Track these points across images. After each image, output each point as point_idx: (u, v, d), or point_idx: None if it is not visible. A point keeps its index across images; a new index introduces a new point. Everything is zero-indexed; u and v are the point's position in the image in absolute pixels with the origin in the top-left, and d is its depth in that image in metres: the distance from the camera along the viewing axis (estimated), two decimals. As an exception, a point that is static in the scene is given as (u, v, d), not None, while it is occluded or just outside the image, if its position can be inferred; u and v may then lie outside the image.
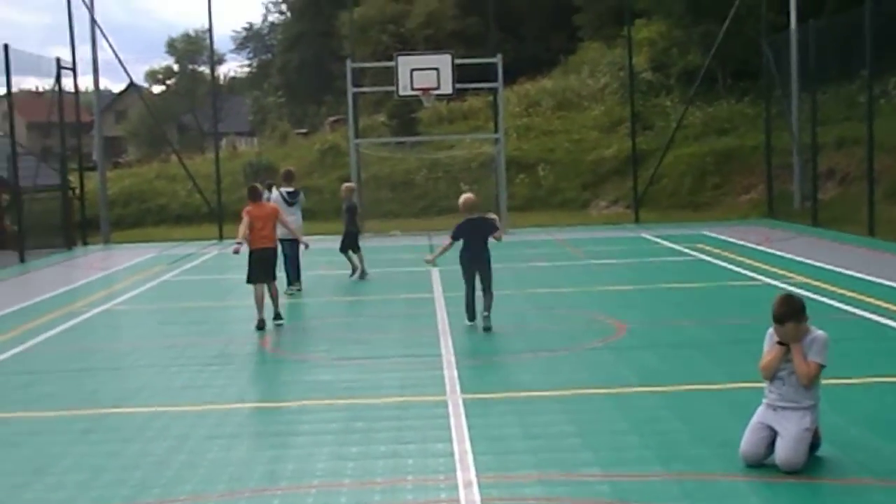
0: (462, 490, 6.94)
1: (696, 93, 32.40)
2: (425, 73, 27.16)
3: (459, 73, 27.63)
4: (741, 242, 22.70)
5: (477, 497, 6.78)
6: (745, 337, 11.81)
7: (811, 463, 7.14)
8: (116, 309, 16.70)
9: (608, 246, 23.77)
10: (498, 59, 28.43)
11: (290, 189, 18.01)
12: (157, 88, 79.43)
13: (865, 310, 13.48)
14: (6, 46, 25.53)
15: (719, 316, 13.72)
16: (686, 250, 21.71)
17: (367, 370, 11.10)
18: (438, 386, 10.10)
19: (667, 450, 7.72)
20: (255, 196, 14.64)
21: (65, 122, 29.65)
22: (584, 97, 43.72)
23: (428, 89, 27.26)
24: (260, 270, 14.32)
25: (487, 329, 13.16)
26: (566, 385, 9.96)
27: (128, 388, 10.79)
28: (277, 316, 14.28)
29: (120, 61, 44.57)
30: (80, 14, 30.50)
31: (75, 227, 30.36)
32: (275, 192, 17.92)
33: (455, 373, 10.66)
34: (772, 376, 7.31)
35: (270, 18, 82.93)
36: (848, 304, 13.99)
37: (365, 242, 27.11)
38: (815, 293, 15.00)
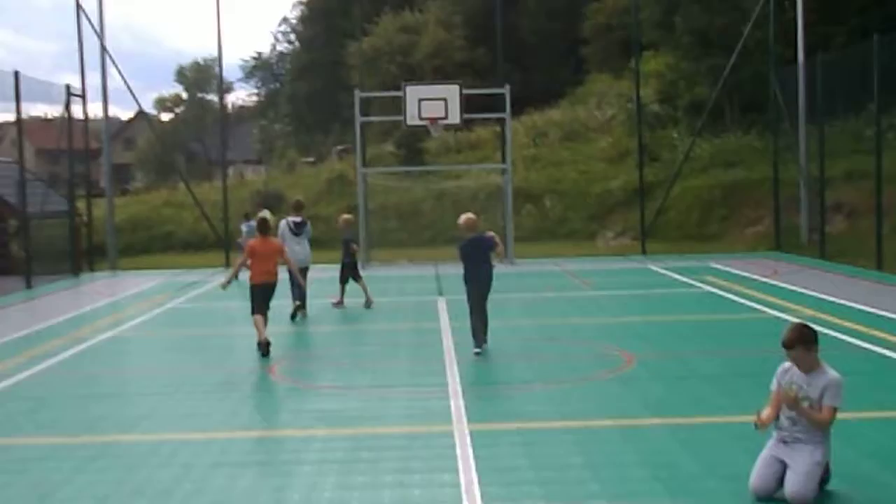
0: (469, 521, 6.89)
1: (703, 125, 32.43)
2: (433, 102, 27.23)
3: (467, 104, 27.69)
4: (748, 275, 22.64)
5: (484, 528, 6.73)
6: (754, 369, 11.77)
7: (821, 497, 7.07)
8: (123, 336, 16.67)
9: (615, 277, 23.73)
10: (506, 90, 28.50)
11: (298, 219, 18.15)
12: (165, 116, 79.70)
13: (874, 343, 13.41)
14: (17, 73, 25.66)
15: (727, 348, 13.66)
16: (693, 282, 21.66)
17: (374, 399, 11.06)
18: (445, 416, 10.04)
19: (675, 483, 7.66)
20: (263, 229, 14.75)
21: (73, 148, 29.75)
22: (591, 128, 43.83)
23: (435, 119, 27.32)
24: (262, 302, 14.46)
25: (478, 354, 13.47)
26: (574, 416, 9.90)
27: (133, 415, 10.74)
28: (266, 346, 14.11)
29: (129, 89, 44.68)
30: (91, 42, 30.66)
31: (82, 253, 30.39)
32: (282, 222, 18.15)
33: (462, 402, 10.61)
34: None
35: (279, 48, 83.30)
36: (856, 337, 13.92)
37: (372, 272, 27.21)
38: (823, 326, 14.92)
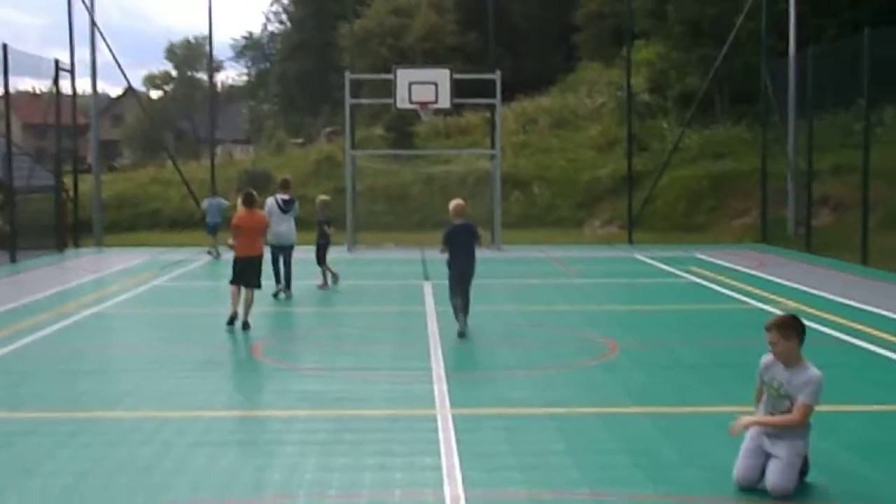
0: (450, 505, 6.90)
1: (693, 116, 32.46)
2: (423, 86, 27.18)
3: (458, 88, 27.64)
4: (734, 266, 22.70)
5: (464, 512, 6.75)
6: (737, 360, 11.82)
7: (800, 488, 7.11)
8: (107, 312, 16.63)
9: (601, 265, 23.78)
10: (497, 76, 28.46)
11: (286, 197, 18.20)
12: (154, 93, 79.36)
13: (856, 337, 13.47)
14: (5, 46, 25.51)
15: (711, 338, 13.71)
16: (679, 272, 21.71)
17: (357, 381, 11.06)
18: (428, 400, 10.06)
19: (655, 471, 7.69)
20: (249, 202, 14.90)
21: (61, 123, 29.60)
22: (581, 116, 43.81)
23: (426, 103, 27.27)
24: (243, 275, 14.64)
25: (462, 334, 13.67)
26: (557, 403, 9.92)
27: (116, 391, 10.73)
28: (246, 325, 14.32)
29: (118, 65, 44.63)
30: (80, 16, 30.52)
31: (68, 229, 30.28)
32: (270, 199, 18.17)
33: (445, 387, 10.62)
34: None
35: (270, 28, 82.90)
36: (839, 330, 13.98)
37: (359, 254, 27.21)
38: (807, 319, 14.92)
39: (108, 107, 77.64)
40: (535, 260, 25.24)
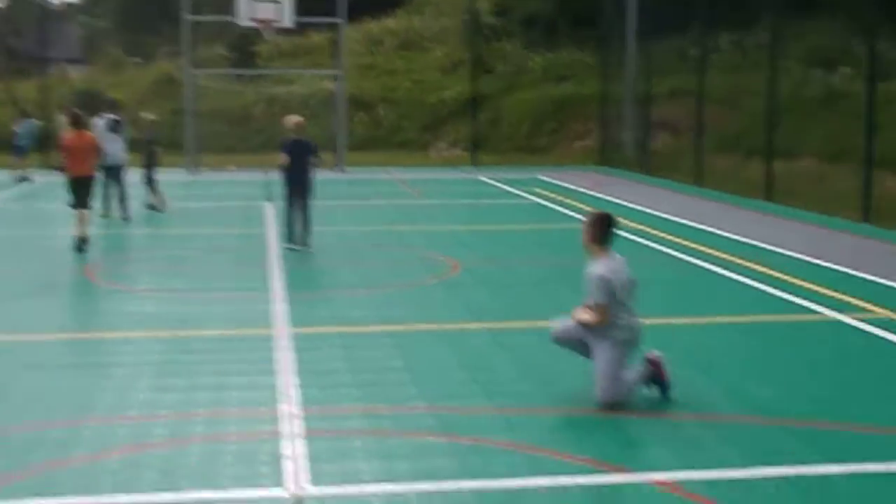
0: (285, 422, 6.82)
1: (537, 39, 32.63)
2: (266, 4, 26.54)
3: (302, 7, 27.09)
4: (574, 187, 23.09)
5: (299, 429, 6.68)
6: (576, 277, 11.98)
7: (633, 399, 7.27)
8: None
9: (445, 187, 23.87)
10: (342, -5, 27.98)
11: (115, 117, 17.72)
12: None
13: (689, 254, 13.89)
14: None
15: (551, 256, 13.93)
16: (521, 193, 21.95)
17: (194, 303, 10.83)
18: (266, 319, 9.92)
19: (492, 385, 7.77)
20: (77, 123, 14.60)
21: None
22: (426, 38, 43.49)
23: (268, 21, 26.64)
24: (79, 197, 14.25)
25: (307, 246, 13.88)
26: (397, 321, 9.93)
27: (-63, 316, 10.25)
28: (81, 246, 13.88)
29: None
30: None
31: None
32: (97, 119, 17.69)
33: (285, 307, 10.49)
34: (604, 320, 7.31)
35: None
36: (673, 248, 14.39)
37: (200, 177, 26.60)
38: (643, 238, 15.38)
39: (-70, 22, 73.38)
40: (380, 181, 25.15)
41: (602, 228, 7.40)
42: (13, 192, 22.61)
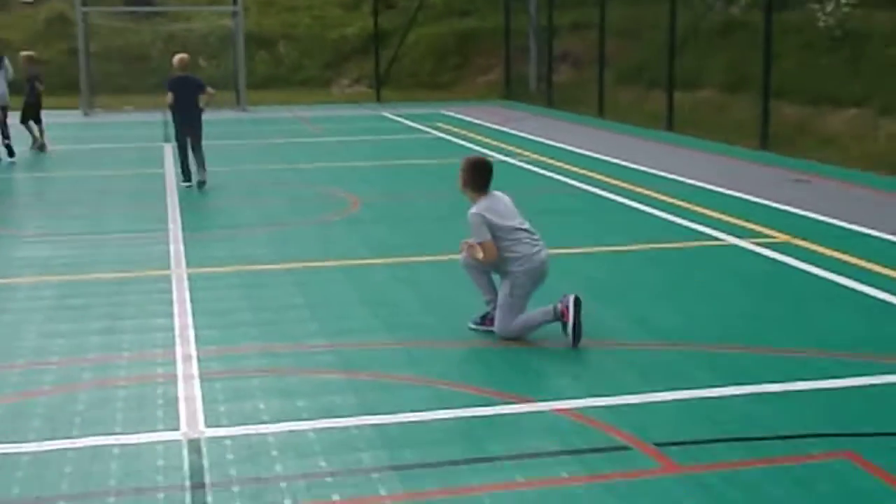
0: (180, 364, 6.62)
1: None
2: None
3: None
4: (479, 122, 22.96)
5: (196, 371, 6.49)
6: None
7: (534, 333, 7.21)
8: None
9: (348, 124, 23.54)
10: (236, -73, 27.21)
11: None
12: None
13: (592, 185, 13.88)
14: None
15: (452, 190, 13.68)
16: (425, 128, 21.74)
17: (87, 246, 10.47)
18: (163, 261, 9.64)
19: (395, 319, 7.65)
20: None
21: None
22: (327, -27, 42.70)
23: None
24: None
25: (202, 183, 13.93)
26: (296, 258, 9.72)
27: None
28: None
29: None
30: None
31: None
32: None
33: (181, 247, 10.22)
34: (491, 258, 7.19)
35: None
36: (576, 179, 14.37)
37: (95, 118, 25.86)
38: (547, 170, 15.35)
39: None
40: (282, 120, 24.71)
41: (474, 173, 7.23)
42: None
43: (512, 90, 29.60)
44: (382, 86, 30.49)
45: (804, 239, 10.21)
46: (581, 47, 28.42)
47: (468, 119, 23.54)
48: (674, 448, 5.24)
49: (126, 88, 31.99)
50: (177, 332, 7.33)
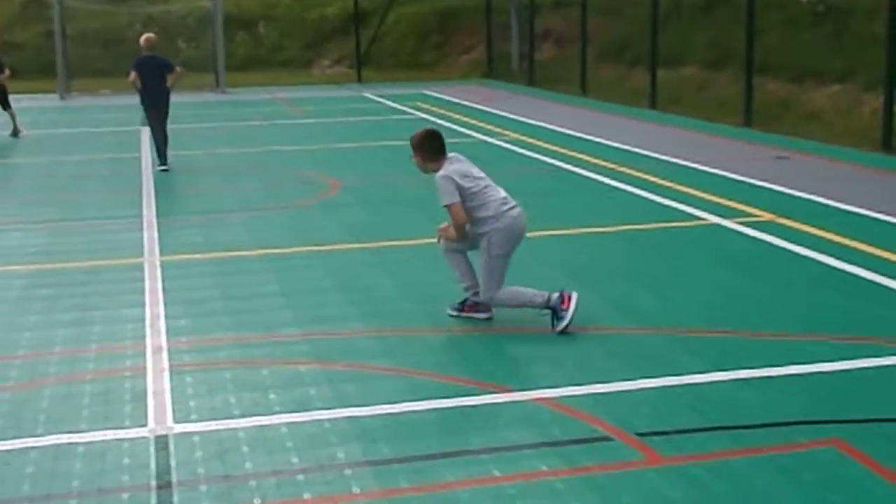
0: (150, 356, 6.44)
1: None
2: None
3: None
4: (460, 101, 22.75)
5: (166, 363, 6.30)
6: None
7: (516, 314, 7.05)
8: None
9: (329, 105, 23.30)
10: None
11: None
12: None
13: (573, 164, 13.71)
14: None
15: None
16: (407, 109, 21.52)
17: (58, 234, 10.25)
18: (135, 248, 9.43)
19: (371, 306, 7.48)
20: None
21: None
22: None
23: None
24: None
25: (164, 166, 13.85)
26: (272, 244, 9.52)
27: None
28: None
29: None
30: None
31: None
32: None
33: (155, 234, 10.01)
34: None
35: None
36: (558, 159, 14.20)
37: (72, 102, 25.56)
38: (529, 150, 15.17)
39: None
40: (262, 102, 24.45)
41: (426, 144, 7.02)
42: None
43: (494, 69, 29.38)
44: (363, 66, 30.24)
45: (788, 217, 10.06)
46: (563, 25, 28.20)
47: (449, 99, 23.33)
48: (657, 438, 5.08)
49: (104, 72, 31.60)
50: (148, 322, 7.14)
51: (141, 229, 10.24)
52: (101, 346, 6.70)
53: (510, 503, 4.47)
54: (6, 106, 18.06)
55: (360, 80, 29.58)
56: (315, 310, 7.40)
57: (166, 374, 6.11)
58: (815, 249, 8.81)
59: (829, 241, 9.12)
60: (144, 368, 6.23)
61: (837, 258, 8.51)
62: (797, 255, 8.73)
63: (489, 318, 7.04)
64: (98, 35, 35.24)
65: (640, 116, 19.19)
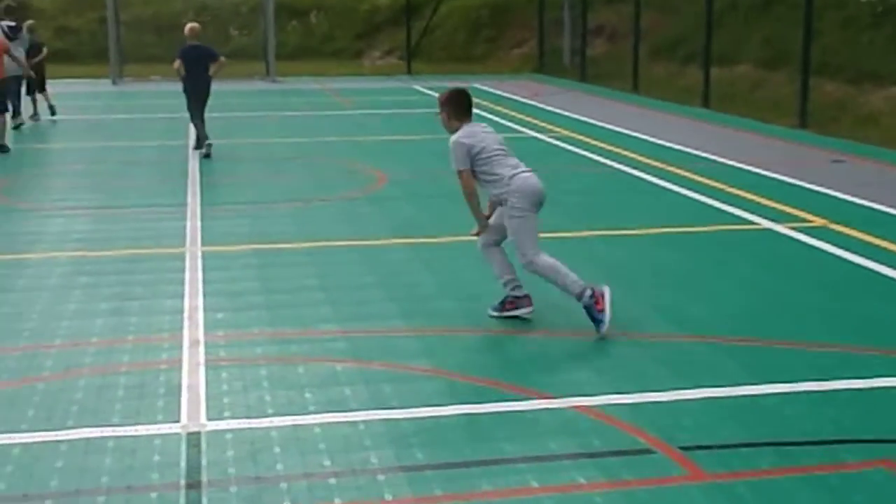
0: (186, 350, 6.36)
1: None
2: None
3: None
4: (511, 96, 22.56)
5: (202, 357, 6.22)
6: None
7: (560, 317, 6.88)
8: None
9: (379, 97, 23.21)
10: None
11: (12, 23, 17.01)
12: None
13: (621, 163, 13.50)
14: None
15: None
16: (455, 102, 21.32)
17: (102, 221, 10.24)
18: (178, 237, 9.38)
19: (412, 303, 7.36)
20: None
21: None
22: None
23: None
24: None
25: (202, 150, 14.06)
26: (316, 237, 9.43)
27: None
28: (2, 148, 14.12)
29: None
30: None
31: None
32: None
33: (198, 223, 9.96)
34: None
35: None
36: (607, 157, 13.99)
37: (124, 87, 25.70)
38: (579, 147, 14.98)
39: None
40: (311, 92, 24.43)
41: (453, 103, 7.04)
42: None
43: (545, 64, 29.14)
44: (414, 58, 30.11)
45: (842, 224, 9.80)
46: (616, 20, 27.91)
47: (499, 93, 23.14)
48: (700, 452, 4.91)
49: (156, 58, 31.75)
50: (186, 314, 7.07)
51: (185, 218, 10.20)
52: (138, 337, 6.63)
53: (546, 516, 4.33)
54: (41, 88, 18.16)
55: (409, 72, 29.48)
56: (355, 306, 7.29)
57: (202, 369, 6.03)
58: (869, 258, 8.56)
59: (885, 249, 8.87)
60: (180, 362, 6.16)
61: (892, 267, 8.26)
62: (851, 262, 8.49)
63: (530, 312, 6.88)
64: (151, 21, 35.44)
65: (692, 115, 18.90)
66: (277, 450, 4.95)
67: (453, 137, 6.89)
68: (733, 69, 21.27)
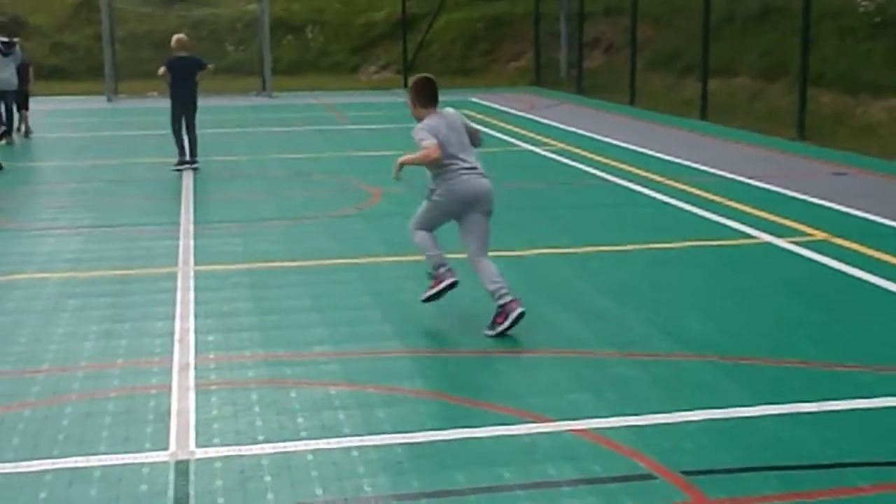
0: (176, 374, 6.22)
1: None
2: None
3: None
4: (507, 109, 22.47)
5: (192, 381, 6.08)
6: (501, 201, 11.43)
7: (559, 338, 6.76)
8: None
9: (374, 111, 23.12)
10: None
11: (5, 39, 16.92)
12: None
13: (618, 176, 13.38)
14: None
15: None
16: (452, 116, 21.23)
17: (93, 240, 10.10)
18: (170, 257, 9.25)
19: (407, 324, 7.22)
20: None
21: None
22: (356, -43, 42.22)
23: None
24: None
25: (194, 165, 14.27)
26: (310, 255, 9.31)
27: None
28: None
29: None
30: None
31: None
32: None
33: (191, 242, 9.83)
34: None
35: None
36: (604, 170, 13.87)
37: (119, 104, 25.60)
38: (574, 160, 14.86)
39: None
40: (307, 107, 24.32)
41: (416, 91, 7.24)
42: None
43: (542, 76, 29.07)
44: (410, 72, 29.96)
45: (843, 237, 9.68)
46: (613, 33, 27.83)
47: (496, 106, 23.06)
48: (703, 478, 4.77)
49: (152, 74, 31.63)
50: (177, 336, 6.93)
51: (177, 237, 10.07)
52: (128, 360, 6.49)
53: (544, 547, 4.19)
54: (21, 106, 18.10)
55: (406, 85, 29.33)
56: (348, 327, 7.15)
57: (192, 394, 5.90)
58: (872, 272, 8.43)
59: (888, 263, 8.74)
60: (169, 387, 6.02)
61: (895, 282, 8.13)
62: (853, 277, 8.36)
63: (522, 313, 6.81)
64: (147, 38, 35.37)
65: (689, 127, 18.79)
66: (268, 478, 4.81)
67: (417, 126, 7.06)
68: (731, 81, 21.17)
